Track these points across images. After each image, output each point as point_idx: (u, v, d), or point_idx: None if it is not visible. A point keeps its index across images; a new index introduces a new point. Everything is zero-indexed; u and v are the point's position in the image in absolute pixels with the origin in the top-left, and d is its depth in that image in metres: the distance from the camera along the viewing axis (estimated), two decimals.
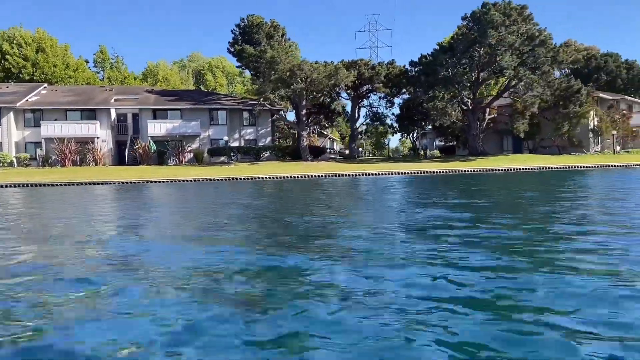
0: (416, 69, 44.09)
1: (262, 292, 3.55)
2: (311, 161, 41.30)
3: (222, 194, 16.94)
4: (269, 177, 30.23)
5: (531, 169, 32.66)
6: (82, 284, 3.84)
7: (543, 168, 32.76)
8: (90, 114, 41.81)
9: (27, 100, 41.77)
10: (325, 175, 30.96)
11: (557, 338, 2.48)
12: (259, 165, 38.25)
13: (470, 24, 40.15)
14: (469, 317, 2.82)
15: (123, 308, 3.19)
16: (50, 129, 39.78)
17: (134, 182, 28.90)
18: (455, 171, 32.33)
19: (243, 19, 46.08)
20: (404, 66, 45.77)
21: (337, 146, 74.61)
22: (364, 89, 46.02)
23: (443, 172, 32.22)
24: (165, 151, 40.96)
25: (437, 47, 44.78)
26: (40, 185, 27.75)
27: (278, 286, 3.71)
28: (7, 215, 10.78)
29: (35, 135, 40.47)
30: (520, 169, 32.80)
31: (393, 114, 50.53)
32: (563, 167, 33.04)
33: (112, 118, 42.51)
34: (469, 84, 42.00)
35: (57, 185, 27.85)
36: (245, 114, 44.79)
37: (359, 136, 53.54)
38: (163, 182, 29.00)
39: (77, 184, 28.04)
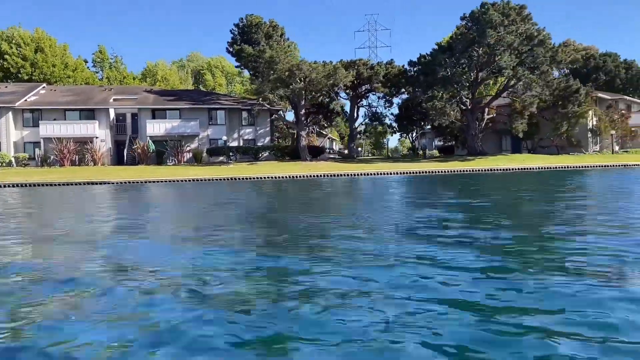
0: (415, 69, 44.11)
1: (249, 292, 3.54)
2: (310, 161, 41.29)
3: (220, 194, 16.94)
4: (268, 177, 30.23)
5: (530, 168, 32.66)
6: (68, 284, 3.83)
7: (542, 168, 32.76)
8: (89, 114, 41.80)
9: (25, 100, 41.76)
10: (324, 175, 30.95)
11: (542, 339, 2.47)
12: (258, 165, 38.25)
13: (469, 24, 40.15)
14: (456, 318, 2.81)
15: (108, 308, 3.18)
16: (48, 128, 39.78)
17: (133, 182, 28.89)
18: (454, 171, 32.33)
19: (242, 18, 46.10)
20: (403, 66, 45.82)
21: (336, 146, 74.62)
22: (363, 88, 46.01)
23: (442, 172, 32.22)
24: (164, 151, 40.95)
25: (436, 47, 44.83)
26: (38, 185, 27.74)
27: (265, 287, 3.70)
28: (2, 216, 10.77)
29: (33, 135, 40.46)
30: (518, 168, 32.80)
31: (392, 114, 50.62)
32: (562, 167, 33.04)
33: (111, 118, 42.51)
34: (467, 84, 42.00)
35: (55, 185, 27.84)
36: (244, 114, 44.78)
37: (358, 136, 53.54)
38: (162, 182, 28.99)
39: (76, 184, 28.03)
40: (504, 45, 38.27)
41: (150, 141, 40.45)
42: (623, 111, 46.65)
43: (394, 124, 50.79)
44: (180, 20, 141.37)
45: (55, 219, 10.02)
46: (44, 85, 48.39)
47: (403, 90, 46.26)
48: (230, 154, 41.70)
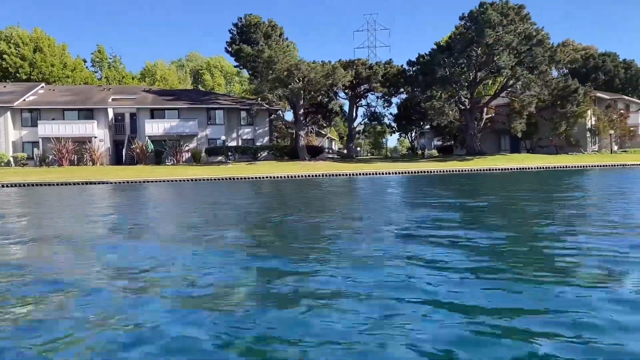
0: (414, 69, 44.13)
1: (236, 293, 3.54)
2: (309, 161, 41.29)
3: (218, 194, 16.93)
4: (267, 177, 30.22)
5: (528, 168, 32.66)
6: (56, 285, 3.82)
7: (540, 168, 32.77)
8: (87, 114, 41.78)
9: (24, 100, 41.73)
10: (323, 175, 30.95)
11: (527, 340, 2.47)
12: (257, 164, 38.24)
13: (468, 24, 40.15)
14: (442, 319, 2.80)
15: (95, 308, 3.17)
16: (47, 128, 39.76)
17: (131, 182, 28.88)
18: (453, 171, 32.33)
19: (241, 18, 46.07)
20: (402, 66, 45.83)
21: (336, 146, 74.59)
22: (362, 88, 46.00)
23: (440, 171, 32.22)
24: (162, 151, 40.94)
25: (435, 46, 44.82)
26: (37, 185, 27.72)
27: (252, 287, 3.70)
28: None
29: (32, 134, 40.45)
30: (517, 168, 32.81)
31: (391, 114, 50.69)
32: (560, 167, 33.04)
33: (110, 118, 42.49)
34: (466, 84, 42.00)
35: (54, 185, 27.83)
36: (243, 114, 44.76)
37: (357, 136, 53.55)
38: (160, 181, 28.98)
39: (74, 184, 28.02)
40: (502, 45, 38.27)
41: (148, 141, 40.44)
42: (622, 111, 46.66)
43: (393, 124, 50.83)
44: (179, 20, 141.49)
45: (51, 218, 10.01)
46: (43, 85, 48.35)
47: (402, 90, 46.28)
48: (229, 153, 41.69)
